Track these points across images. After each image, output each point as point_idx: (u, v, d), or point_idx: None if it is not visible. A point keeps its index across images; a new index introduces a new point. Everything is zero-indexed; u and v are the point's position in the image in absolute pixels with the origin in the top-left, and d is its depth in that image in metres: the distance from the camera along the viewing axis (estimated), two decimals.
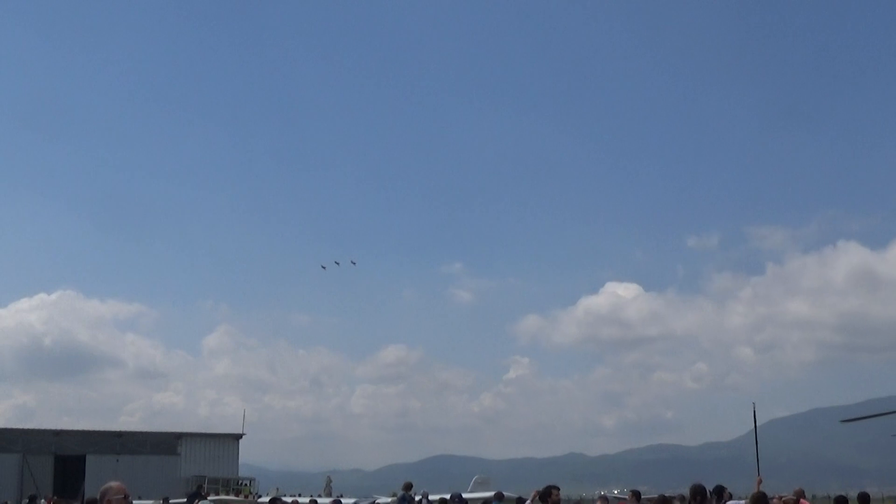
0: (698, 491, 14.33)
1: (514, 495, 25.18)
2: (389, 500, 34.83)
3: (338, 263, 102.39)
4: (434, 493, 32.01)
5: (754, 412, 18.44)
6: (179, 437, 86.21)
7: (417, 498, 28.26)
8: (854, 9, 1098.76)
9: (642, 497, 20.34)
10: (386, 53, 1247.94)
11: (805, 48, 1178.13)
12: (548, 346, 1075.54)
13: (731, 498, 17.23)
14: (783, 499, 15.14)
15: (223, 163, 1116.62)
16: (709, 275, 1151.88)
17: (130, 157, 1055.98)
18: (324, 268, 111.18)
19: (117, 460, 73.93)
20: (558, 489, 18.49)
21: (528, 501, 20.30)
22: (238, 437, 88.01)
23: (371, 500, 34.21)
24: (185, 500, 27.04)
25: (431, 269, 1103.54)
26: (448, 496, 19.42)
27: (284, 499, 26.08)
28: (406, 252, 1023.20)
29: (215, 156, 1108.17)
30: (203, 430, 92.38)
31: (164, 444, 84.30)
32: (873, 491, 22.63)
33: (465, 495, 22.94)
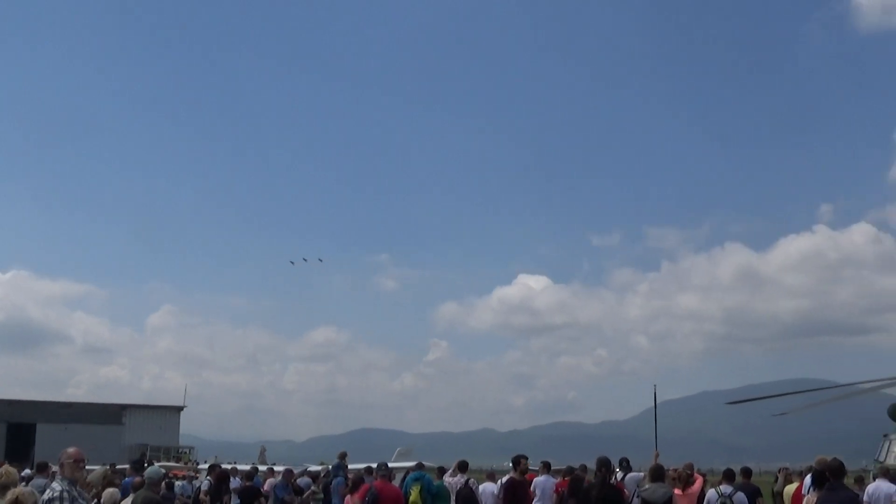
0: (604, 463, 14.45)
1: (434, 465, 25.28)
2: (319, 468, 34.66)
3: (305, 260, 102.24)
4: (360, 462, 31.99)
5: (655, 394, 18.67)
6: (124, 408, 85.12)
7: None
8: (755, 19, 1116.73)
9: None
10: (322, 56, 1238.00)
11: (700, 58, 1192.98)
12: (464, 331, 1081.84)
13: (630, 470, 17.52)
14: (677, 471, 15.39)
15: (171, 154, 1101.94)
16: (610, 270, 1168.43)
17: (87, 145, 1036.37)
18: (293, 263, 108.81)
19: (66, 429, 72.43)
20: (526, 458, 18.57)
21: (449, 471, 20.41)
22: (179, 409, 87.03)
23: (303, 468, 33.96)
24: (128, 466, 26.56)
25: (360, 259, 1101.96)
26: (374, 464, 19.43)
27: (224, 465, 25.85)
28: (337, 242, 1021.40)
29: (165, 147, 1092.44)
30: (146, 403, 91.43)
31: (110, 414, 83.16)
32: (752, 466, 23.15)
33: (389, 464, 22.99)
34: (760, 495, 18.11)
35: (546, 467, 20.02)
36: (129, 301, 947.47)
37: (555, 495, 19.14)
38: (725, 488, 14.25)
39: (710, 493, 14.00)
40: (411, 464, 25.68)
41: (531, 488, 18.90)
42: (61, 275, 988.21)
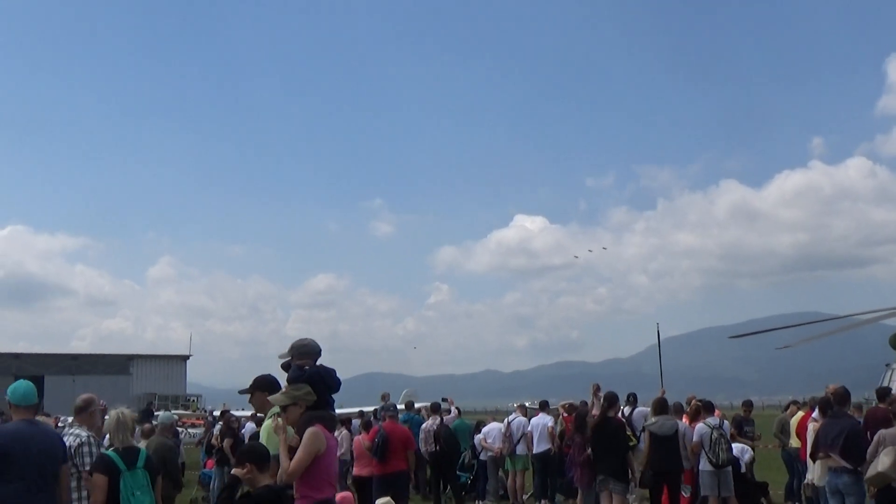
0: (608, 397, 14.74)
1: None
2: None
3: (591, 251, 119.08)
4: (365, 406, 32.36)
5: (658, 331, 18.74)
6: (131, 358, 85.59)
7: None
8: None
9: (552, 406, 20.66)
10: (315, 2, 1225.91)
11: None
12: (462, 275, 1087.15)
13: (637, 405, 17.77)
14: (692, 405, 15.56)
15: (162, 102, 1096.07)
16: (606, 210, 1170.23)
17: (79, 97, 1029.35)
18: (577, 257, 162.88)
19: (73, 380, 72.91)
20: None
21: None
22: (185, 358, 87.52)
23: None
24: (137, 414, 26.84)
25: (354, 205, 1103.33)
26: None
27: (235, 412, 26.16)
28: (330, 187, 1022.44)
29: (154, 98, 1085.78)
30: (151, 353, 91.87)
31: (117, 365, 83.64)
32: (754, 399, 23.66)
33: (398, 406, 23.31)
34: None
35: (543, 406, 20.03)
36: (128, 253, 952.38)
37: None
38: (713, 420, 14.49)
39: (699, 426, 14.21)
40: (422, 405, 25.89)
41: (528, 429, 18.88)
42: (58, 229, 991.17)
